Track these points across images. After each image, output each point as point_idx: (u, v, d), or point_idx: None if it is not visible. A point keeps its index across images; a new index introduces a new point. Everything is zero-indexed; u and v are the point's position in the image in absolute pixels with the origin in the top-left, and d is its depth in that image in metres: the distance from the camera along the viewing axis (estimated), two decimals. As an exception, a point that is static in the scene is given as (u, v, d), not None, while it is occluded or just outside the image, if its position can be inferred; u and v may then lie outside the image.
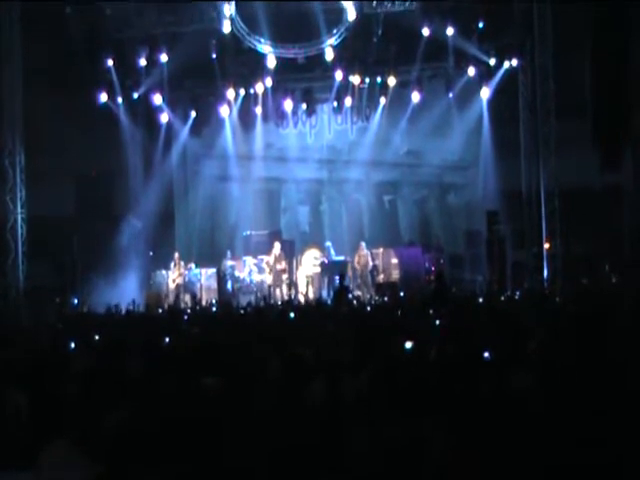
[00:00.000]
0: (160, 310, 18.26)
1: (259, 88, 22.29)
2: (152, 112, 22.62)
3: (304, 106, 22.98)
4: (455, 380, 5.13)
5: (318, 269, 21.13)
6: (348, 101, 22.56)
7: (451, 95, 22.11)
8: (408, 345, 7.02)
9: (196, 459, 3.91)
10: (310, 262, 21.61)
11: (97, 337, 9.83)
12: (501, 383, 5.16)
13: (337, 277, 18.43)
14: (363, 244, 20.94)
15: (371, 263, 20.70)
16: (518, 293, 17.72)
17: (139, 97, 22.20)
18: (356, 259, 20.82)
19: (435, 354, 6.48)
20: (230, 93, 22.46)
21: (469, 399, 4.62)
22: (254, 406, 4.75)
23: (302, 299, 20.10)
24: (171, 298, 20.78)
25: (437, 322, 10.16)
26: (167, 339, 8.81)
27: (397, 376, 5.44)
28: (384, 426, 4.14)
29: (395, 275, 21.02)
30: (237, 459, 3.93)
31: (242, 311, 16.16)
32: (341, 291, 17.37)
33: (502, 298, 16.65)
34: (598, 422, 3.81)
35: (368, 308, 15.70)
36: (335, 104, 22.81)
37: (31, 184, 20.51)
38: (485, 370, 5.66)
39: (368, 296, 19.84)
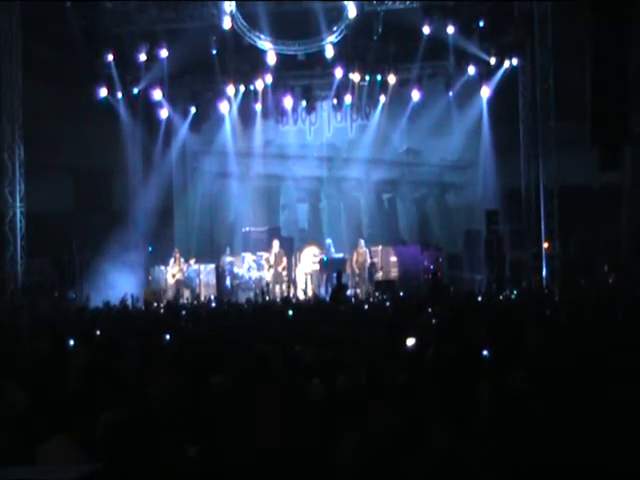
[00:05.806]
0: (157, 304, 18.24)
1: (259, 85, 22.28)
2: (152, 107, 22.62)
3: (304, 103, 22.95)
4: (453, 378, 5.13)
5: (317, 266, 21.12)
6: (348, 99, 22.52)
7: (451, 94, 22.08)
8: (410, 343, 7.01)
9: (194, 454, 3.92)
10: (309, 259, 21.61)
11: (96, 333, 9.81)
12: (499, 382, 5.16)
13: (335, 275, 18.38)
14: (362, 242, 20.93)
15: (369, 261, 20.69)
16: (516, 293, 17.72)
17: (139, 92, 22.20)
18: (354, 257, 20.81)
19: (433, 352, 6.49)
20: (230, 89, 22.44)
21: (467, 396, 4.63)
22: (251, 404, 4.76)
23: (301, 296, 20.12)
24: (170, 294, 20.79)
25: (433, 321, 10.16)
26: (166, 336, 8.79)
27: (396, 373, 5.45)
28: (381, 423, 4.14)
29: (394, 273, 21.02)
30: (236, 456, 3.93)
31: (241, 308, 16.14)
32: (339, 289, 17.33)
33: (500, 298, 16.65)
34: (595, 422, 3.82)
35: (366, 306, 15.69)
36: (335, 101, 22.77)
37: (30, 178, 20.48)
38: (484, 368, 5.67)
39: (366, 295, 19.83)
